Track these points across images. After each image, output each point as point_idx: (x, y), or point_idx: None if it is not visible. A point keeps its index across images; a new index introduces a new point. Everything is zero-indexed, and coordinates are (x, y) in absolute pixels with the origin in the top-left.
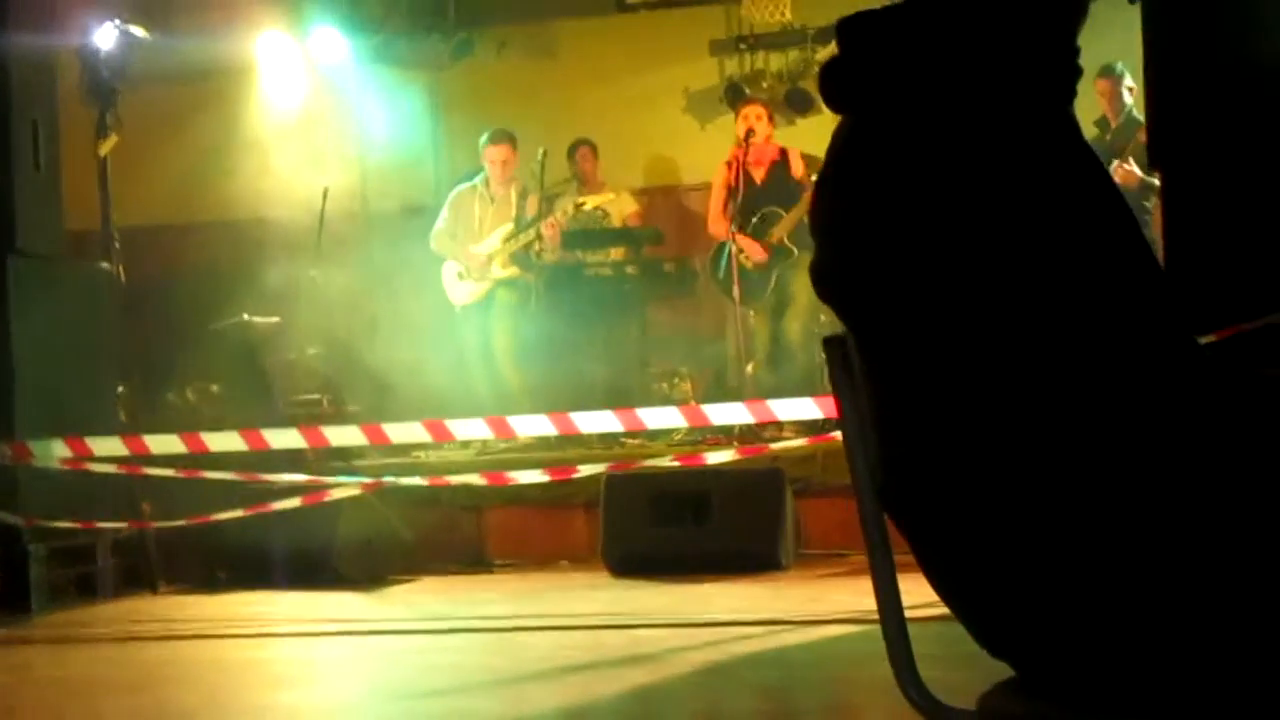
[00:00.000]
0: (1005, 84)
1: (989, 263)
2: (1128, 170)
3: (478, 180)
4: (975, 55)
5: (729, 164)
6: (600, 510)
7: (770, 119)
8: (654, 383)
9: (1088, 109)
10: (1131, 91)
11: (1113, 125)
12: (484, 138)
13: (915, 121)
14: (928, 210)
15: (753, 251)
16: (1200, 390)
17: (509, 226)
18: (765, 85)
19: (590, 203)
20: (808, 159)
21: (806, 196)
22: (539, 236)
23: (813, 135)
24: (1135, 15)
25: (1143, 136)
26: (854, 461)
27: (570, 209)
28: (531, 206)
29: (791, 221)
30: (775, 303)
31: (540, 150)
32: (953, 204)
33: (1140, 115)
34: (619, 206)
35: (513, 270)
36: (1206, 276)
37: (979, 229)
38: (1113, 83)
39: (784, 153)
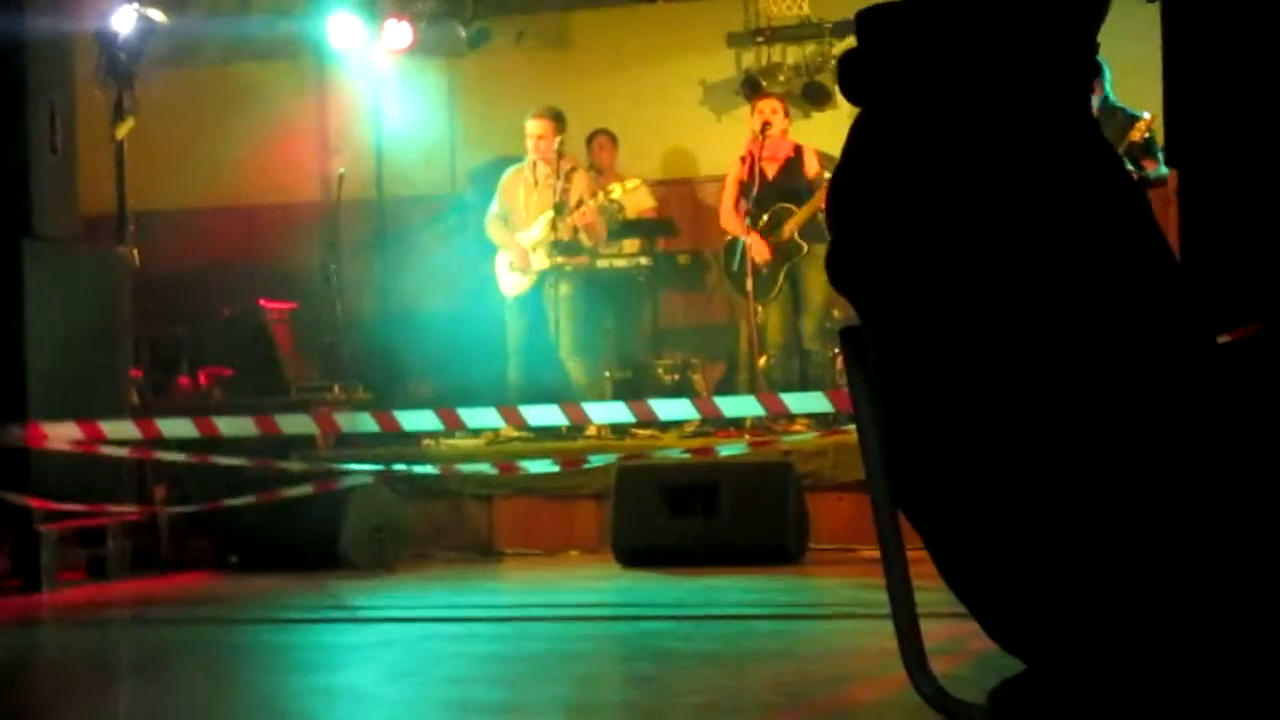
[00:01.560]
0: (1023, 78)
1: (1004, 256)
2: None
3: (525, 162)
4: (994, 49)
5: (743, 159)
6: (610, 501)
7: (786, 114)
8: (666, 374)
9: None
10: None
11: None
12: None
13: (932, 114)
14: (943, 203)
15: (758, 251)
16: (1215, 386)
17: (550, 214)
18: (782, 79)
19: (618, 190)
20: (822, 157)
21: (819, 193)
22: (577, 229)
23: (829, 129)
24: (1150, 13)
25: (1134, 135)
26: (867, 454)
27: (601, 198)
28: (577, 187)
29: (802, 217)
30: (788, 298)
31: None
32: (968, 197)
33: (1118, 102)
34: (635, 200)
35: (558, 259)
36: (1223, 274)
37: (994, 222)
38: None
39: (799, 149)
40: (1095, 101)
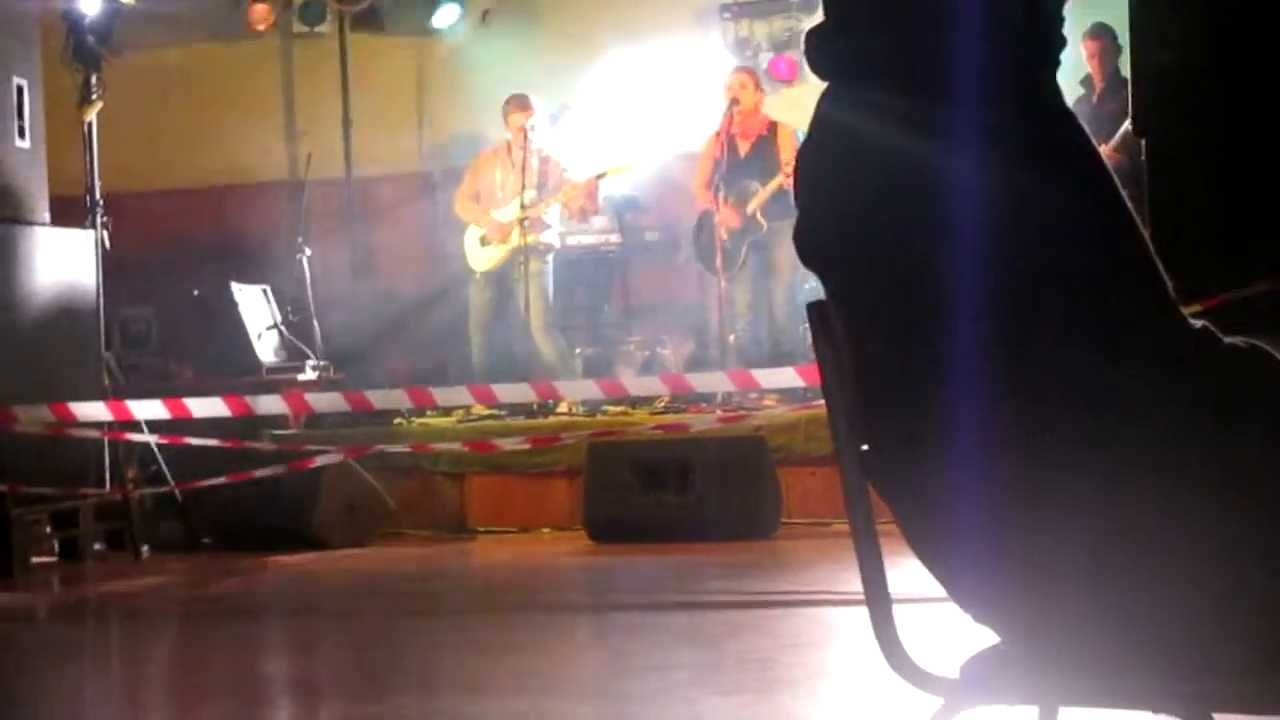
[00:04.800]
0: (990, 52)
1: (971, 229)
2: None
3: (498, 144)
4: (960, 23)
5: (717, 134)
6: (583, 478)
7: (757, 87)
8: (637, 351)
9: (1074, 68)
10: (1120, 52)
11: (1098, 87)
12: (506, 102)
13: (898, 89)
14: (909, 178)
15: (727, 217)
16: (1182, 356)
17: (531, 193)
18: (750, 54)
19: (611, 172)
20: (797, 136)
21: (782, 173)
22: (577, 202)
23: (797, 105)
24: None
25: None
26: (836, 427)
27: (591, 178)
28: (555, 171)
29: (765, 195)
30: (754, 273)
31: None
32: (933, 171)
33: (1127, 75)
34: (618, 180)
35: (529, 237)
36: (1192, 244)
37: (960, 197)
38: (1102, 43)
39: (773, 127)
40: (1104, 74)
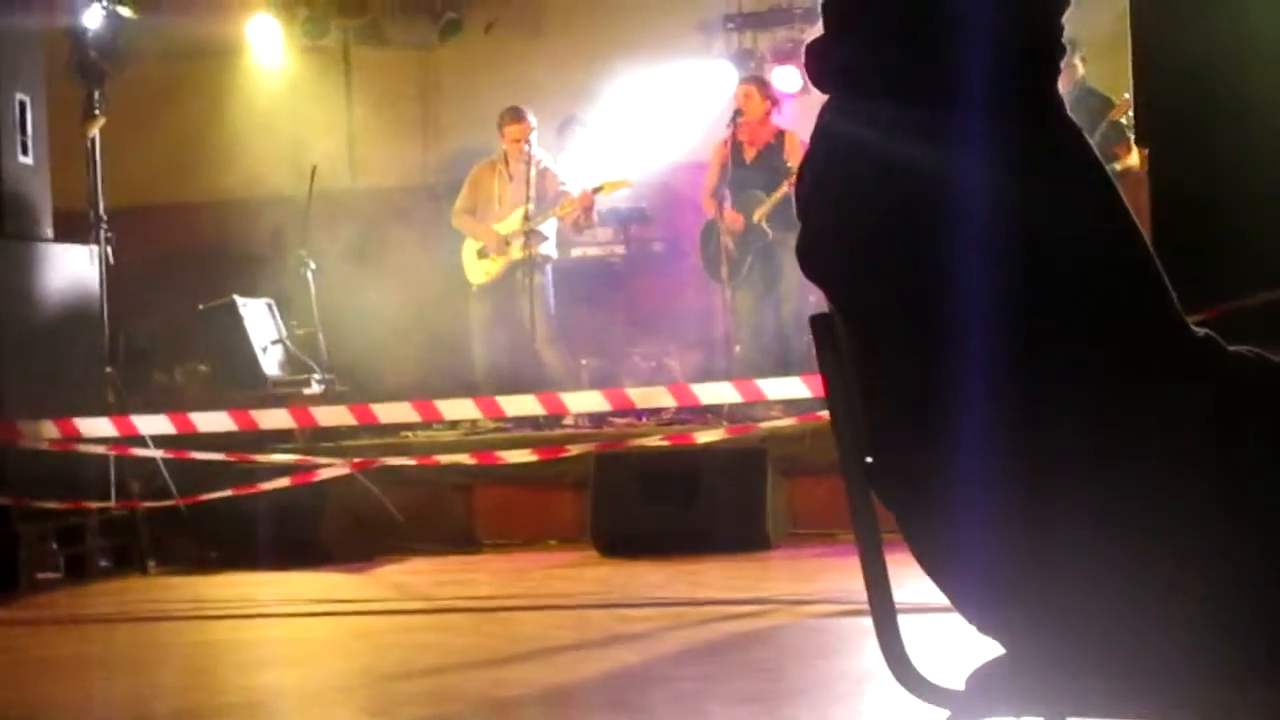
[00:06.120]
0: (992, 62)
1: (974, 241)
2: None
3: (495, 156)
4: (961, 34)
5: (725, 141)
6: (589, 490)
7: (764, 97)
8: (642, 362)
9: None
10: (1084, 63)
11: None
12: (501, 115)
13: (899, 101)
14: (910, 189)
15: (732, 221)
16: (1186, 362)
17: (528, 206)
18: (753, 65)
19: (607, 187)
20: (804, 144)
21: (788, 181)
22: (573, 215)
23: (800, 116)
24: None
25: (1114, 114)
26: (841, 439)
27: (587, 192)
28: (551, 183)
29: (771, 204)
30: (758, 282)
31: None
32: (937, 183)
33: (1093, 85)
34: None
35: (531, 250)
36: (1196, 254)
37: (964, 208)
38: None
39: (780, 135)
40: (1070, 84)
